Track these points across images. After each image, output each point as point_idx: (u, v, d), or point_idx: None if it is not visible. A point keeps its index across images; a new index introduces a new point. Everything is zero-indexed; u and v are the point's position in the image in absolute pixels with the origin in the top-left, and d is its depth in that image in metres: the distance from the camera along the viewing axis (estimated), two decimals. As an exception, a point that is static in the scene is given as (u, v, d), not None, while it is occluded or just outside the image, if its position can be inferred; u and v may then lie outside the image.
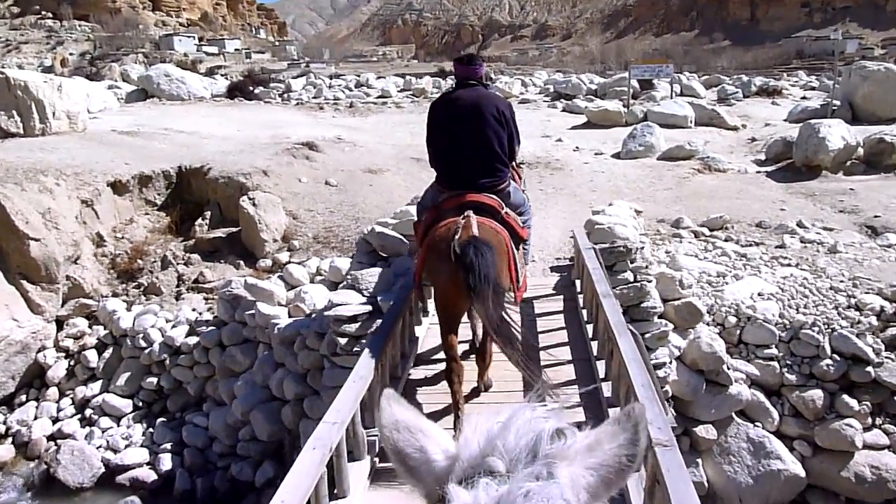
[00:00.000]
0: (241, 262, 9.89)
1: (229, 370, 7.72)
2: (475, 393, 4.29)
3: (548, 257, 7.71)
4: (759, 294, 6.57)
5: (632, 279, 5.62)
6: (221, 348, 8.00)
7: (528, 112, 19.46)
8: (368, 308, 5.50)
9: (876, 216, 9.50)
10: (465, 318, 4.23)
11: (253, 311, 7.60)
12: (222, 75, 41.40)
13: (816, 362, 5.97)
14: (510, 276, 3.93)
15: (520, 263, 4.17)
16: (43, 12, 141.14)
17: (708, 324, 6.26)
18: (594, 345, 4.71)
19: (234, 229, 10.52)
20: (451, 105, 4.23)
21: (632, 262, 5.66)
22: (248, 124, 17.51)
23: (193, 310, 8.95)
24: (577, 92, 21.93)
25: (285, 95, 27.97)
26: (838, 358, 5.94)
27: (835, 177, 11.71)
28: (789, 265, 7.52)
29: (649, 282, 5.66)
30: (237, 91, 25.58)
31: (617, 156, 13.39)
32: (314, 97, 27.22)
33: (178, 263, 9.98)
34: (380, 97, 26.84)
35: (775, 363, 6.06)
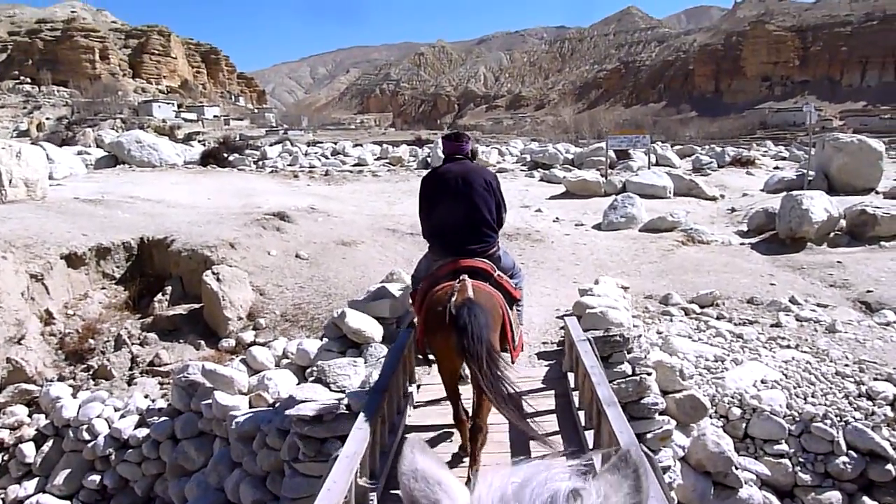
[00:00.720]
0: (203, 342, 9.19)
1: (181, 468, 6.93)
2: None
3: (533, 341, 7.15)
4: (762, 381, 6.07)
5: (630, 372, 5.09)
6: (174, 442, 7.22)
7: (507, 181, 19.25)
8: (336, 406, 4.87)
9: (868, 291, 9.17)
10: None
11: (210, 401, 6.89)
12: (200, 142, 41.28)
13: (831, 459, 5.42)
14: (507, 336, 4.10)
15: (515, 324, 4.32)
16: (21, 77, 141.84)
17: (710, 416, 5.71)
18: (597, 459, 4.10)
19: (197, 306, 9.86)
20: (441, 179, 4.48)
21: (629, 353, 5.15)
22: (220, 193, 17.02)
23: (146, 396, 8.18)
24: (554, 161, 21.91)
25: (260, 163, 27.71)
26: (855, 455, 5.40)
27: (820, 249, 11.46)
28: (789, 346, 7.07)
29: (649, 374, 5.12)
30: (211, 158, 25.22)
31: (598, 227, 13.08)
32: (290, 164, 26.98)
33: (132, 343, 9.24)
34: (356, 165, 26.67)
35: (787, 461, 5.49)
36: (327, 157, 29.03)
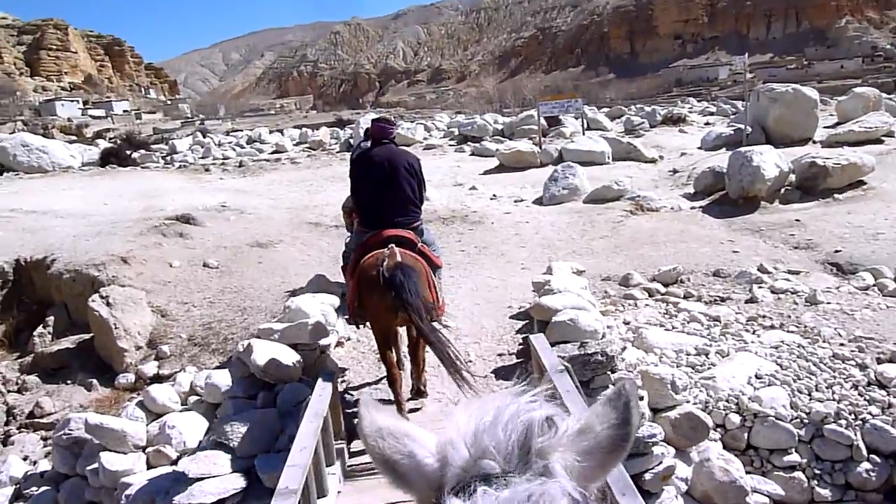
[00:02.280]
0: (95, 381, 7.70)
1: (67, 553, 5.57)
2: (418, 394, 5.05)
3: (487, 352, 6.06)
4: (757, 377, 5.17)
5: (617, 398, 4.08)
6: (59, 517, 5.83)
7: (435, 159, 18.08)
8: (240, 482, 3.66)
9: (836, 251, 8.50)
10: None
11: (97, 465, 5.53)
12: (111, 139, 38.16)
13: (851, 468, 4.57)
14: (432, 295, 4.59)
15: (438, 287, 4.88)
16: None
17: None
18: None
19: (87, 336, 8.33)
20: (370, 161, 4.95)
21: (612, 372, 4.12)
22: (118, 196, 15.19)
23: (25, 458, 6.71)
24: (484, 133, 20.83)
25: (169, 158, 25.57)
26: (878, 459, 4.57)
27: (773, 207, 10.81)
28: (773, 327, 6.23)
29: (640, 398, 4.12)
30: (112, 157, 22.94)
31: (539, 202, 12.09)
32: (202, 157, 24.97)
33: (8, 391, 7.69)
34: (274, 153, 24.91)
35: (800, 474, 4.62)
36: (242, 147, 27.10)
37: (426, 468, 0.85)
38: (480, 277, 8.27)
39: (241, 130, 40.16)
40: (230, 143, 28.82)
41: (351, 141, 24.02)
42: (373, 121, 5.37)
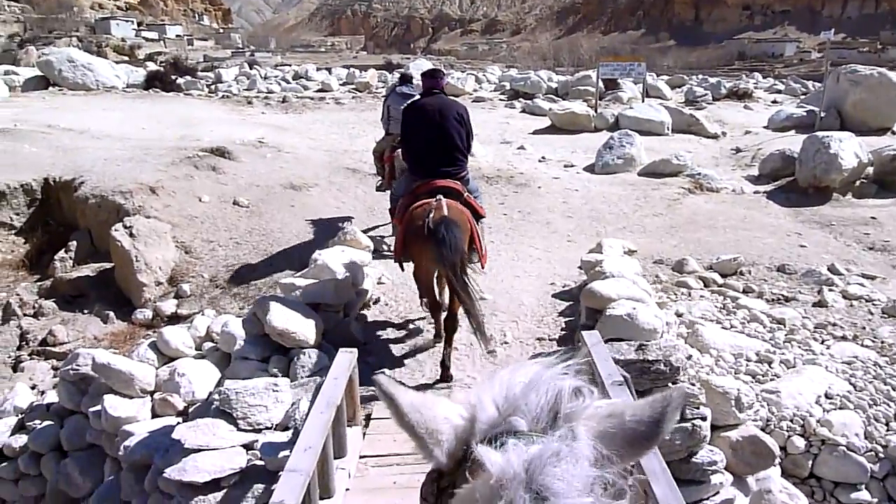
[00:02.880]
0: (112, 314, 7.43)
1: (64, 495, 5.32)
2: (443, 377, 4.80)
3: (525, 335, 5.53)
4: (827, 397, 4.57)
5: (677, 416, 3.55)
6: (61, 455, 5.59)
7: (484, 112, 17.30)
8: (240, 460, 3.24)
9: (917, 256, 7.71)
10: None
11: (100, 407, 5.23)
12: (161, 63, 37.90)
13: (930, 515, 3.99)
14: (475, 246, 4.77)
15: (481, 236, 4.99)
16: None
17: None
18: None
19: (108, 266, 8.05)
20: (421, 110, 5.07)
21: (673, 384, 3.58)
22: (157, 122, 14.85)
23: (34, 387, 6.49)
24: (537, 91, 19.89)
25: (214, 87, 25.17)
26: (964, 508, 3.98)
27: (846, 200, 9.95)
28: (845, 338, 5.59)
29: (703, 419, 3.57)
30: (157, 81, 22.62)
31: (591, 169, 11.37)
32: (246, 89, 24.50)
33: (24, 314, 7.46)
34: (319, 91, 24.30)
35: (869, 514, 4.05)
36: (288, 82, 26.51)
37: (457, 427, 0.87)
38: (522, 247, 7.69)
39: (290, 65, 39.57)
40: (276, 76, 28.22)
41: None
42: (423, 73, 5.47)
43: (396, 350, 5.38)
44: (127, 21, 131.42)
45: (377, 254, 7.40)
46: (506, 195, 9.85)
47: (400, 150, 6.28)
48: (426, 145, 4.95)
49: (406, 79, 8.20)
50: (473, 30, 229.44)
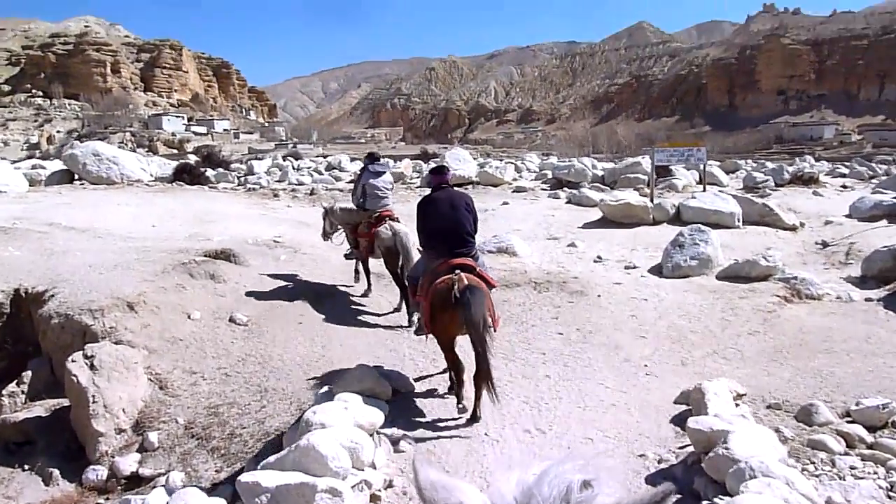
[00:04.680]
0: (57, 472, 5.74)
1: None
2: (472, 419, 5.27)
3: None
4: None
5: None
6: None
7: (526, 204, 15.82)
8: None
9: None
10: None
11: None
12: (199, 154, 38.13)
13: None
14: (490, 311, 5.36)
15: (492, 301, 5.52)
16: (33, 90, 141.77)
17: None
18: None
19: (66, 402, 6.44)
20: (433, 202, 5.78)
21: None
22: (171, 217, 13.69)
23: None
24: (582, 179, 18.44)
25: (244, 179, 24.46)
26: None
27: None
28: None
29: None
30: (184, 174, 21.90)
31: (658, 271, 9.58)
32: (278, 181, 23.71)
33: (-51, 472, 5.83)
34: (351, 182, 23.31)
35: None
36: (320, 174, 25.72)
37: None
38: (589, 384, 5.86)
39: (330, 155, 39.41)
40: (308, 168, 27.57)
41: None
42: (431, 170, 6.42)
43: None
44: (178, 117, 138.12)
45: (397, 394, 5.69)
46: (559, 306, 8.09)
47: (382, 227, 8.18)
48: (441, 232, 5.59)
49: (374, 157, 9.13)
50: (509, 119, 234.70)
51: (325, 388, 5.22)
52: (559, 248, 11.30)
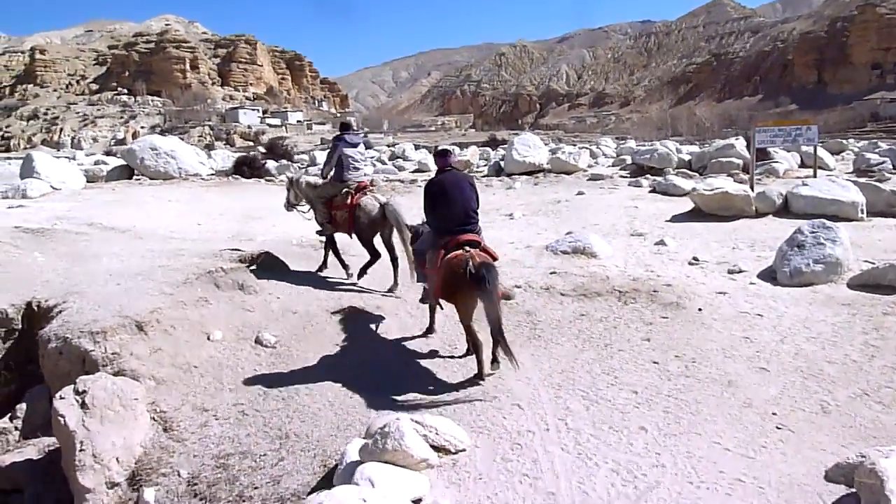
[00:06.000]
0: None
1: None
2: (493, 361, 5.74)
3: None
4: None
5: None
6: None
7: (604, 193, 14.18)
8: None
9: None
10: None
11: None
12: (265, 145, 38.07)
13: None
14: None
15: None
16: (119, 88, 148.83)
17: None
18: None
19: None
20: (440, 184, 6.04)
21: None
22: (220, 214, 12.87)
23: None
24: (666, 164, 16.63)
25: (306, 170, 23.72)
26: None
27: None
28: None
29: None
30: (244, 167, 21.31)
31: (770, 277, 7.88)
32: (339, 172, 22.81)
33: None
34: (416, 171, 22.22)
35: None
36: (384, 163, 24.74)
37: None
38: (700, 443, 4.37)
39: (398, 144, 38.61)
40: (372, 157, 26.61)
41: (501, 164, 20.77)
42: (436, 153, 6.77)
43: None
44: (253, 110, 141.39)
45: (446, 454, 4.36)
46: (650, 323, 6.58)
47: (366, 198, 8.12)
48: (449, 211, 5.87)
49: (346, 126, 8.76)
50: (581, 103, 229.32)
51: (352, 456, 3.95)
52: (645, 246, 9.70)
